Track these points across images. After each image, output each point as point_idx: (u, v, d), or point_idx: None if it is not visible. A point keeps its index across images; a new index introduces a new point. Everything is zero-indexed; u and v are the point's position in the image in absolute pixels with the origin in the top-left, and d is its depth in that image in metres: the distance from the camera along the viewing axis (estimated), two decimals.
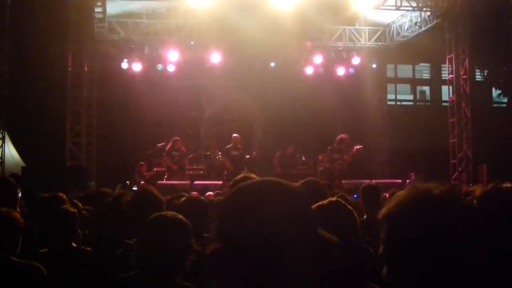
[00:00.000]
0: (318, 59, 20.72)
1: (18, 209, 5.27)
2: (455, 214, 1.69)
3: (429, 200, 1.71)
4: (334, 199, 3.20)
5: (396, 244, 1.70)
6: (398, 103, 26.01)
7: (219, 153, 18.17)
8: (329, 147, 17.39)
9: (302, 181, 5.33)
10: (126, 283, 3.41)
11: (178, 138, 17.28)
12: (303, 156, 19.31)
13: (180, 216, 3.44)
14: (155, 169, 18.06)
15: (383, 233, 1.77)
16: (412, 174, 18.19)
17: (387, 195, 8.01)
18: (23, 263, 3.94)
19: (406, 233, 1.68)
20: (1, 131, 15.99)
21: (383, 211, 1.79)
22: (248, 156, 17.55)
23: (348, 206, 3.08)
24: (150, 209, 3.89)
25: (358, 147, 17.47)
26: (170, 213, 3.52)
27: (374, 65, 21.81)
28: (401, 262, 1.69)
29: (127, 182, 17.50)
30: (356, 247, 3.09)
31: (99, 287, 4.68)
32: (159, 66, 20.66)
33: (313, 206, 3.12)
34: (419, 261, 1.64)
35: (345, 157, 17.21)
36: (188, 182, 16.13)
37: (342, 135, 17.44)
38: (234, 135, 17.51)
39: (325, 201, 3.11)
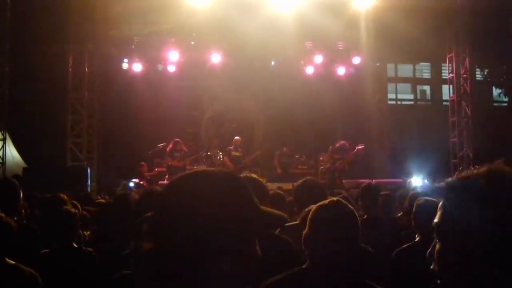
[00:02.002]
0: (318, 58, 20.72)
1: (21, 210, 5.30)
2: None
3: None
4: (335, 198, 3.20)
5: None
6: (399, 102, 26.00)
7: (220, 153, 18.18)
8: (331, 147, 17.39)
9: (301, 181, 5.35)
10: (126, 280, 3.41)
11: (179, 139, 17.29)
12: (303, 156, 19.31)
13: None
14: (156, 169, 18.07)
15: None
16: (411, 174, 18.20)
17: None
18: (18, 266, 3.95)
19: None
20: (2, 131, 16.02)
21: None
22: (247, 158, 17.54)
23: (349, 206, 3.08)
24: None
25: (360, 147, 17.47)
26: None
27: (377, 64, 21.78)
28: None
29: (132, 180, 17.50)
30: (356, 247, 3.09)
31: (100, 287, 4.69)
32: (160, 67, 20.68)
33: (315, 206, 3.13)
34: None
35: (346, 156, 17.23)
36: None
37: (342, 142, 17.42)
38: (236, 137, 17.53)
39: (326, 201, 3.11)
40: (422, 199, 4.85)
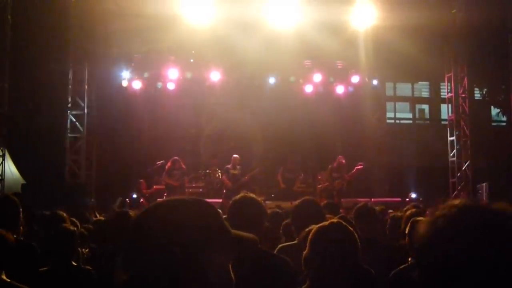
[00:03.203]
0: (317, 77, 20.78)
1: (20, 228, 5.29)
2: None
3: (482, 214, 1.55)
4: (335, 220, 3.21)
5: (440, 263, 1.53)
6: (397, 121, 26.04)
7: (219, 171, 18.18)
8: (330, 166, 17.41)
9: (299, 201, 5.35)
10: None
11: (178, 158, 17.30)
12: (302, 174, 19.31)
13: None
14: (154, 186, 18.06)
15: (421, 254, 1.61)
16: (410, 193, 18.24)
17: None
18: (14, 285, 3.92)
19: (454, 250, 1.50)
20: (1, 148, 16.00)
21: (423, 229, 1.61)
22: (246, 177, 17.51)
23: (349, 227, 3.09)
24: None
25: (359, 166, 17.50)
26: None
27: (375, 82, 21.81)
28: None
29: (127, 199, 17.50)
30: (357, 268, 3.10)
31: None
32: (159, 84, 20.73)
33: (315, 227, 3.14)
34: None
35: (345, 176, 17.26)
36: None
37: (339, 157, 17.46)
38: (234, 156, 17.52)
39: (326, 222, 3.12)
40: (418, 219, 4.86)
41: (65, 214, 6.30)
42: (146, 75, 20.29)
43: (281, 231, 6.50)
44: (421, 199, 17.22)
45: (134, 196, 17.42)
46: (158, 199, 1.75)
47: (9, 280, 3.90)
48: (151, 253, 1.47)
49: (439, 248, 1.52)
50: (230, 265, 1.58)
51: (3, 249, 3.92)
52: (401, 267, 4.74)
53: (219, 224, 1.59)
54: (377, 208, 8.24)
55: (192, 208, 1.58)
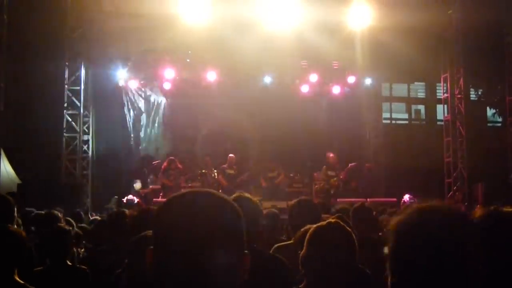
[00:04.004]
0: (313, 77, 20.79)
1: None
2: (465, 232, 1.63)
3: (438, 215, 1.65)
4: (332, 220, 3.22)
5: (403, 258, 1.64)
6: (393, 121, 26.02)
7: (215, 171, 18.18)
8: (324, 166, 17.45)
9: (295, 200, 5.35)
10: None
11: (174, 158, 17.28)
12: (298, 174, 19.31)
13: None
14: (150, 186, 18.04)
15: (390, 247, 1.70)
16: (405, 194, 18.24)
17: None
18: (27, 286, 3.89)
19: (412, 248, 1.61)
20: None
21: (391, 225, 1.72)
22: (241, 177, 17.51)
23: (347, 227, 3.10)
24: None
25: (352, 164, 17.55)
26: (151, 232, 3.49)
27: (369, 83, 21.84)
28: (406, 277, 1.63)
29: (123, 199, 17.47)
30: (354, 268, 3.10)
31: None
32: (155, 84, 20.73)
33: (312, 227, 3.14)
34: (424, 278, 1.58)
35: (340, 174, 17.31)
36: None
37: (330, 154, 17.55)
38: (230, 155, 17.53)
39: (324, 222, 3.12)
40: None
41: (60, 214, 6.29)
42: (142, 75, 20.28)
43: (276, 231, 6.50)
44: (415, 199, 17.24)
45: (130, 196, 17.39)
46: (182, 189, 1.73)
47: (22, 282, 3.86)
48: (172, 243, 1.48)
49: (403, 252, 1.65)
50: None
51: (16, 248, 3.89)
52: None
53: (235, 217, 1.60)
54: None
55: (213, 199, 1.59)
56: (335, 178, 17.34)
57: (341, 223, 3.17)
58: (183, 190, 1.67)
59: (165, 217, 1.56)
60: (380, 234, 7.01)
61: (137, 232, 3.48)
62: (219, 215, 1.55)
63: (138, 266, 3.18)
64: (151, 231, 3.29)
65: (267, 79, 20.88)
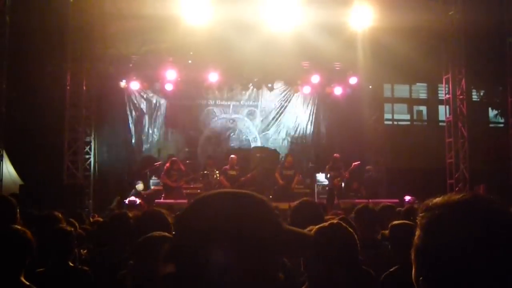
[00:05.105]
0: (315, 78, 20.80)
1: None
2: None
3: (481, 205, 1.52)
4: (335, 221, 3.22)
5: (436, 249, 1.50)
6: (395, 122, 26.03)
7: (217, 172, 18.18)
8: (327, 166, 17.44)
9: (297, 202, 5.34)
10: None
11: (176, 158, 17.28)
12: (300, 175, 19.32)
13: (166, 234, 3.42)
14: (152, 187, 18.04)
15: (420, 237, 1.56)
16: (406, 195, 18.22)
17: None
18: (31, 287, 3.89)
19: (450, 237, 1.48)
20: None
21: (422, 213, 1.57)
22: (243, 179, 17.49)
23: (349, 228, 3.10)
24: (158, 230, 3.85)
25: (356, 163, 17.55)
26: (157, 233, 3.50)
27: (372, 84, 21.87)
28: (436, 271, 1.49)
29: (125, 200, 17.48)
30: (356, 269, 3.10)
31: None
32: (157, 85, 20.75)
33: (314, 228, 3.13)
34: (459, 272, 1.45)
35: (343, 173, 17.31)
36: (185, 201, 16.14)
37: (336, 155, 17.55)
38: (232, 156, 17.51)
39: (326, 223, 3.12)
40: (398, 222, 4.86)
41: (61, 215, 6.28)
42: (144, 76, 20.29)
43: None
44: (417, 201, 17.22)
45: (132, 197, 17.40)
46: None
47: (28, 283, 3.85)
48: (200, 246, 1.42)
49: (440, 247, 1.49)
50: (280, 263, 1.52)
51: (24, 250, 3.89)
52: (391, 269, 4.68)
53: (271, 217, 1.52)
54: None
55: (245, 201, 1.52)
56: (338, 179, 17.33)
57: (343, 224, 3.17)
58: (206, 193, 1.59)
59: (194, 219, 1.50)
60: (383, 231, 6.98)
61: (142, 233, 3.48)
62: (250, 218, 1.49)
63: (144, 267, 3.20)
64: (157, 232, 3.32)
65: (269, 80, 20.90)
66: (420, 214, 1.58)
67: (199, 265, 1.41)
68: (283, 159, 17.98)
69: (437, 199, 1.58)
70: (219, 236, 1.42)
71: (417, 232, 1.58)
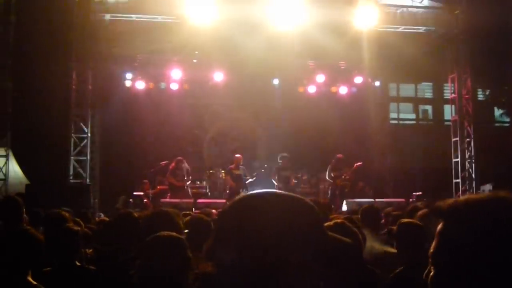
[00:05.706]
0: (320, 78, 20.79)
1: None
2: None
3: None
4: (339, 220, 3.22)
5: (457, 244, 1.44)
6: (401, 122, 26.02)
7: (222, 171, 18.18)
8: (329, 166, 17.38)
9: None
10: None
11: (181, 158, 17.28)
12: (305, 175, 19.29)
13: (173, 233, 3.43)
14: (158, 187, 18.06)
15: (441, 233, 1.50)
16: (414, 194, 18.19)
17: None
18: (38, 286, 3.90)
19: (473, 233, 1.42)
20: (5, 148, 16.04)
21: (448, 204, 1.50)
22: (248, 178, 17.47)
23: (353, 228, 3.10)
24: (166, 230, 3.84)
25: (358, 164, 17.51)
26: (164, 232, 3.50)
27: (377, 84, 21.86)
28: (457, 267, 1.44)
29: (130, 199, 17.51)
30: (361, 268, 3.10)
31: None
32: (162, 85, 20.77)
33: None
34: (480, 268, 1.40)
35: (346, 174, 17.25)
36: (191, 200, 16.17)
37: (338, 155, 17.48)
38: (237, 155, 17.48)
39: (330, 222, 3.13)
40: (406, 220, 4.83)
41: (67, 214, 6.29)
42: (149, 75, 20.32)
43: None
44: (424, 199, 17.19)
45: (138, 196, 17.42)
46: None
47: (35, 283, 3.86)
48: (243, 246, 1.38)
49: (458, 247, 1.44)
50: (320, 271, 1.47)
51: (33, 250, 3.89)
52: (399, 268, 4.65)
53: (315, 221, 1.48)
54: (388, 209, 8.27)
55: (289, 203, 1.48)
56: (340, 179, 17.28)
57: (347, 223, 3.17)
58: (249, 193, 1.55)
59: (236, 219, 1.46)
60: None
61: (150, 233, 3.49)
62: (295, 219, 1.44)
63: (151, 267, 3.20)
64: (165, 232, 3.33)
65: (274, 80, 20.91)
66: (437, 215, 1.53)
67: (243, 266, 1.39)
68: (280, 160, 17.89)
69: (452, 200, 1.52)
70: (265, 237, 1.39)
71: (437, 235, 1.52)
